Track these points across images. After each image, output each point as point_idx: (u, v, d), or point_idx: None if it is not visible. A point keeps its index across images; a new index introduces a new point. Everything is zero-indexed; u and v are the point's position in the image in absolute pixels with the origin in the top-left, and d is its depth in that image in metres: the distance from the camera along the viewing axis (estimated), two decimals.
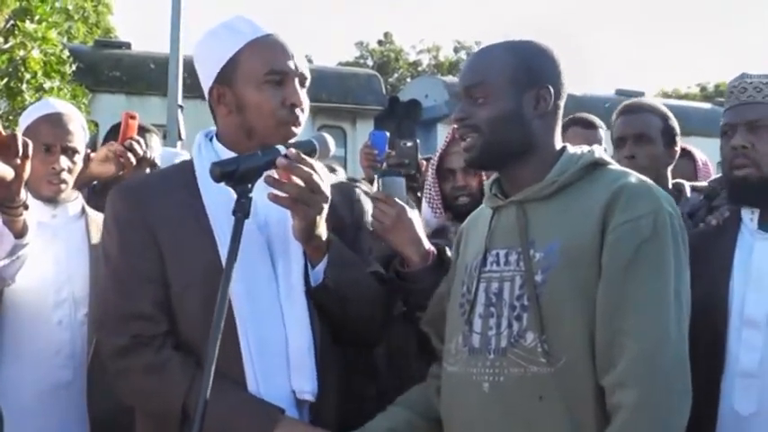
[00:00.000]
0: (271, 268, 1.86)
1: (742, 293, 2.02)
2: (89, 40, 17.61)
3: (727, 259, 2.08)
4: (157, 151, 3.00)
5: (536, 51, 1.85)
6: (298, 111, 1.89)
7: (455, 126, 1.89)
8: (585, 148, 1.86)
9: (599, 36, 64.59)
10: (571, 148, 1.85)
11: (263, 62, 1.87)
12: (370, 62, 30.77)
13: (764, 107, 2.08)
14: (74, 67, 7.29)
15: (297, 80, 1.91)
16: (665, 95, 28.47)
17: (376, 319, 2.00)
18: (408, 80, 27.56)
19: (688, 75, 70.55)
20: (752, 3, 64.79)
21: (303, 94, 1.92)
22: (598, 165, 1.82)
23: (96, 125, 10.98)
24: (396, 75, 31.01)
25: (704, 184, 2.71)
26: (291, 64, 1.90)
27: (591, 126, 3.24)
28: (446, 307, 1.95)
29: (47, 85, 6.86)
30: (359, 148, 13.09)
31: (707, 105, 15.43)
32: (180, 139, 9.19)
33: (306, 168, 1.73)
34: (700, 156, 3.38)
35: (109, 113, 11.36)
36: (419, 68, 31.26)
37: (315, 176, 1.74)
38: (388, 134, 3.62)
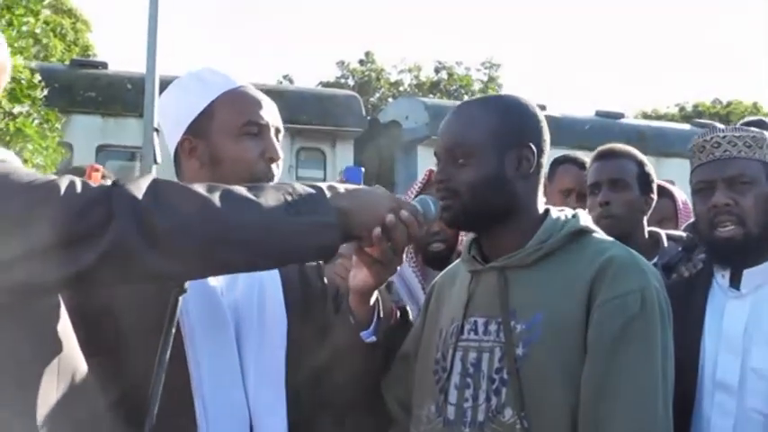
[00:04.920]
0: (234, 346, 1.74)
1: (714, 355, 1.95)
2: (67, 57, 17.44)
3: (698, 318, 2.00)
4: None
5: (517, 109, 1.76)
6: (274, 166, 1.81)
7: (435, 180, 1.78)
8: (569, 213, 1.77)
9: (578, 58, 65.07)
10: (554, 212, 1.76)
11: (240, 113, 1.79)
12: (351, 82, 30.71)
13: (743, 162, 2.00)
14: (45, 92, 7.13)
15: (273, 132, 1.83)
16: (645, 116, 28.69)
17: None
18: (390, 100, 27.57)
19: (666, 95, 71.16)
20: (729, 23, 65.70)
21: (279, 148, 1.83)
22: (583, 232, 1.73)
23: (71, 147, 10.85)
24: (377, 94, 30.99)
25: (681, 233, 2.61)
26: (267, 116, 1.82)
27: (584, 167, 3.13)
28: (411, 368, 1.86)
29: (16, 110, 6.71)
30: (338, 170, 13.00)
31: (686, 126, 15.48)
32: (155, 162, 9.05)
33: (411, 232, 1.59)
34: (679, 195, 3.29)
35: (84, 136, 11.24)
36: (400, 88, 31.28)
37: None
38: (363, 169, 3.55)
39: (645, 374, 1.57)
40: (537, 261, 1.68)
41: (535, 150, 1.73)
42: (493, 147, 1.70)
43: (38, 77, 7.03)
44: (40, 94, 7.02)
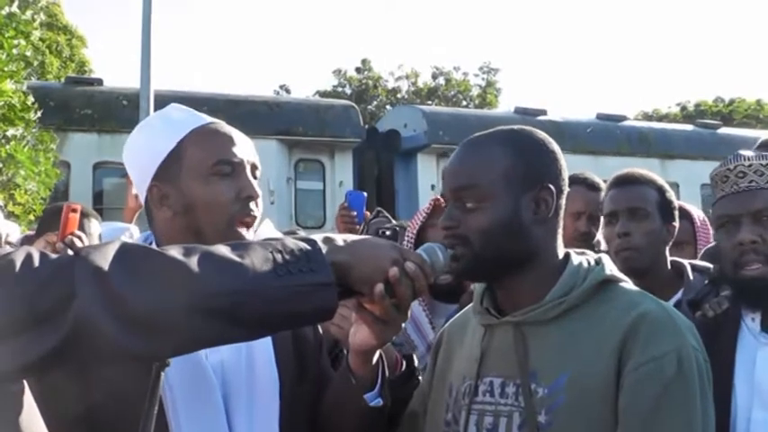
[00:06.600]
0: (223, 414, 1.57)
1: (747, 412, 1.77)
2: (63, 74, 17.37)
3: (727, 367, 1.81)
4: (96, 235, 2.92)
5: (533, 145, 1.58)
6: (253, 205, 1.64)
7: (441, 225, 1.59)
8: (592, 259, 1.61)
9: (577, 60, 64.70)
10: (576, 258, 1.59)
11: (209, 151, 1.63)
12: (348, 90, 30.53)
13: None
14: (38, 114, 6.98)
15: (248, 169, 1.66)
16: (646, 116, 28.49)
17: None
18: (388, 107, 27.39)
19: (667, 94, 70.66)
20: (729, 18, 65.57)
21: (257, 186, 1.66)
22: (609, 282, 1.56)
23: (68, 166, 10.73)
24: (375, 102, 30.80)
25: (708, 265, 2.44)
26: (241, 152, 1.65)
27: (594, 188, 2.96)
28: (420, 428, 1.71)
29: (10, 132, 6.57)
30: (337, 181, 12.78)
31: (689, 127, 15.32)
32: None
33: (418, 287, 1.43)
34: (697, 214, 3.10)
35: (81, 153, 11.12)
36: (398, 95, 31.09)
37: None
38: (365, 195, 3.42)
39: None
40: (558, 316, 1.52)
41: (554, 191, 1.55)
42: (507, 189, 1.52)
43: (31, 99, 6.89)
44: (34, 115, 6.88)
